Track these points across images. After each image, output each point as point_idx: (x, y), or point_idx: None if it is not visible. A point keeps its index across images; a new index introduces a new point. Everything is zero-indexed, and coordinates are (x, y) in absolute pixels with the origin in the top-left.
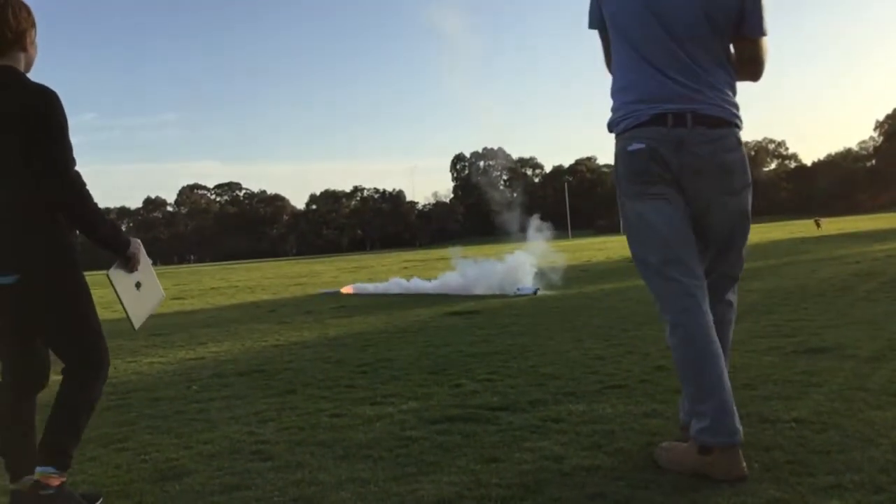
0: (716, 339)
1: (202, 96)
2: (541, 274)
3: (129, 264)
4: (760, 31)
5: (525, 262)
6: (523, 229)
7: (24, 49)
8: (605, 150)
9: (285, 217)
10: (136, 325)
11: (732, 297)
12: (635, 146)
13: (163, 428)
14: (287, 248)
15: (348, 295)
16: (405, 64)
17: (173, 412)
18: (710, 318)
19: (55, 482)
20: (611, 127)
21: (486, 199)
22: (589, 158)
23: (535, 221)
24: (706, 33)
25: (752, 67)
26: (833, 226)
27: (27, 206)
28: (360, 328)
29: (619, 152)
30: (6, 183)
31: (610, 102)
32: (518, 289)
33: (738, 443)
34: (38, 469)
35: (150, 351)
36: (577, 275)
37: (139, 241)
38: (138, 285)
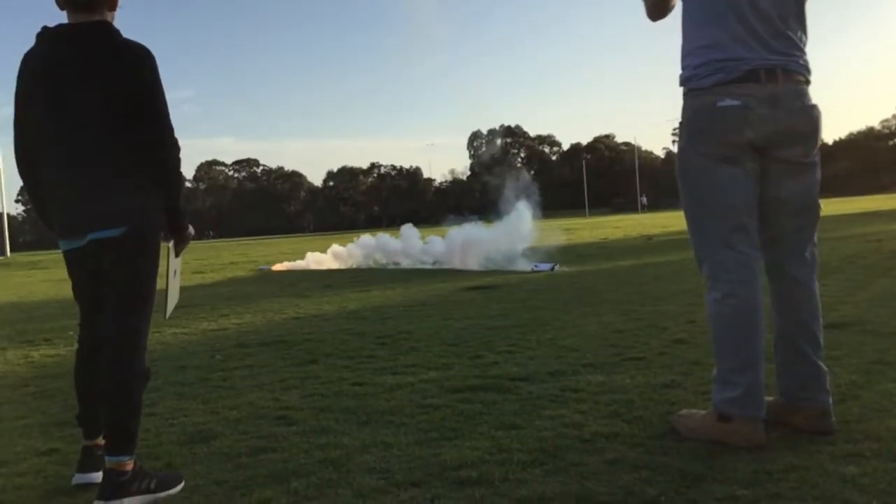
0: (763, 313)
1: (219, 73)
2: (530, 252)
3: (181, 246)
4: None
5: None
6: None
7: (113, 9)
8: (623, 128)
9: (302, 194)
10: (168, 313)
11: (812, 279)
12: (728, 102)
13: (189, 394)
14: (304, 224)
15: (282, 272)
16: (423, 41)
17: (198, 380)
18: (761, 292)
19: (129, 467)
20: (689, 81)
21: (483, 183)
22: (607, 136)
23: (523, 179)
24: None
25: None
26: (853, 205)
27: (130, 162)
28: (379, 302)
29: (703, 108)
30: (111, 138)
31: (675, 58)
32: (535, 265)
33: (762, 417)
34: (110, 458)
35: (174, 322)
36: (594, 251)
37: (193, 229)
38: (175, 273)
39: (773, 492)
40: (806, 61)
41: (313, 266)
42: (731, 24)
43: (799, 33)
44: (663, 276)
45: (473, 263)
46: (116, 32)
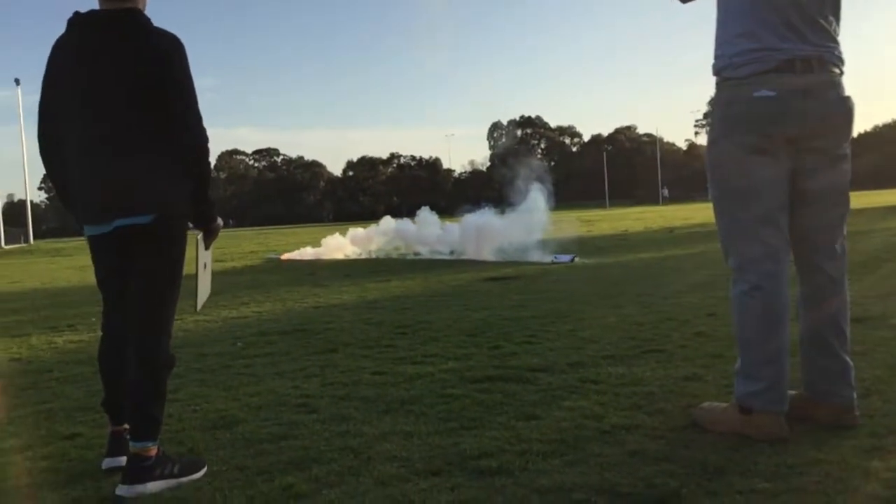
0: (789, 307)
1: (240, 62)
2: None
3: (210, 238)
4: None
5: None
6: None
7: None
8: (645, 119)
9: (322, 183)
10: (199, 306)
11: (841, 272)
12: (764, 93)
13: (211, 381)
14: (323, 214)
15: (290, 260)
16: (442, 31)
17: (220, 367)
18: (788, 285)
19: (153, 452)
20: (724, 70)
21: (503, 174)
22: (629, 127)
23: (537, 169)
24: None
25: None
26: (879, 199)
27: (158, 151)
28: (398, 292)
29: (738, 97)
30: (140, 127)
31: (707, 47)
32: (555, 257)
33: (785, 411)
34: (134, 444)
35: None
36: (615, 244)
37: (221, 221)
38: (205, 266)
39: (795, 485)
40: (840, 52)
41: (328, 255)
42: (767, 14)
43: (834, 24)
44: (684, 268)
45: (488, 252)
46: (147, 20)
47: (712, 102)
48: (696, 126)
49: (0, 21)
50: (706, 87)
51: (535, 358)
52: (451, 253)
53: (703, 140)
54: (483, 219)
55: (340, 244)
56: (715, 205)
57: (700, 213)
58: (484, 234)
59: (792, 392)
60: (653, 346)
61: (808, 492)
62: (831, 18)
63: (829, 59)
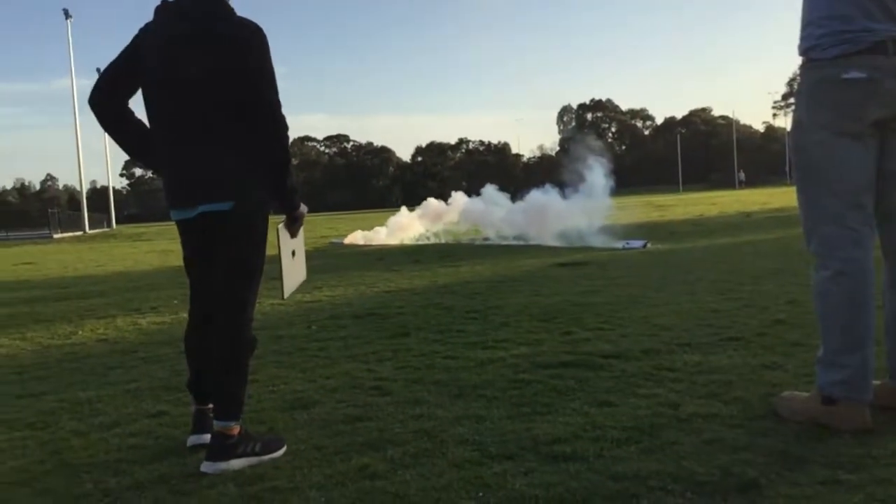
0: (874, 293)
1: (311, 50)
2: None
3: (295, 226)
4: None
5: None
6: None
7: None
8: (721, 101)
9: (391, 169)
10: (287, 293)
11: None
12: (854, 74)
13: (287, 363)
14: (392, 199)
15: (354, 245)
16: (512, 14)
17: (296, 349)
18: (873, 272)
19: (235, 431)
20: (811, 51)
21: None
22: (703, 109)
23: (599, 152)
24: None
25: None
26: None
27: (240, 138)
28: (468, 277)
29: (826, 80)
30: (222, 115)
31: (788, 27)
32: (626, 243)
33: (869, 400)
34: (218, 423)
35: (270, 294)
36: (689, 229)
37: (306, 208)
38: (293, 254)
39: (879, 477)
40: None
41: (396, 237)
42: None
43: None
44: (762, 254)
45: (552, 235)
46: (231, 10)
47: (798, 84)
48: (774, 107)
49: (82, 12)
50: (785, 66)
51: (608, 344)
52: (517, 238)
53: (781, 122)
54: (547, 197)
55: (411, 220)
56: (798, 187)
57: (777, 197)
58: (547, 214)
59: (876, 382)
60: (730, 333)
61: (892, 483)
62: None
63: None
